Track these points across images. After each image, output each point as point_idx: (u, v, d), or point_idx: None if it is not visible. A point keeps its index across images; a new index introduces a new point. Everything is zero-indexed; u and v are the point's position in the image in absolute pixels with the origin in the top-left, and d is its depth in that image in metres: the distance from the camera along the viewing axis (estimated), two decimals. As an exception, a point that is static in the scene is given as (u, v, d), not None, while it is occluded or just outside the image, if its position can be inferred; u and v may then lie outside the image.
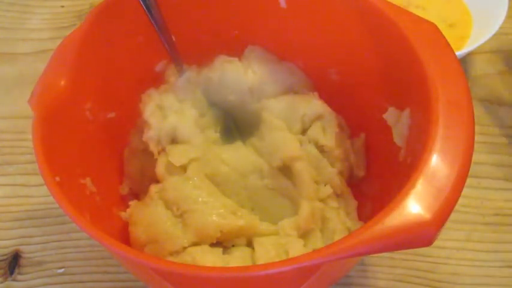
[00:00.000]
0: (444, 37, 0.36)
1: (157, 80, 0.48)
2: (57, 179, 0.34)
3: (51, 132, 0.36)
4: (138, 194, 0.46)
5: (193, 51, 0.47)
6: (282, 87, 0.48)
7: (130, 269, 0.39)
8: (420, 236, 0.28)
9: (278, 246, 0.39)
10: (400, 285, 0.47)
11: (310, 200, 0.41)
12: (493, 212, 0.51)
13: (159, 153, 0.45)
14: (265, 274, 0.29)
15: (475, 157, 0.32)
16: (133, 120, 0.47)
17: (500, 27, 0.55)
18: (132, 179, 0.47)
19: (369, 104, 0.44)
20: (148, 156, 0.45)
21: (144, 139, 0.45)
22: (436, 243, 0.29)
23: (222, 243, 0.41)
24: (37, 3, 0.69)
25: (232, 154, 0.45)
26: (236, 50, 0.49)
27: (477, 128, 0.33)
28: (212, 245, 0.40)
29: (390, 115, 0.41)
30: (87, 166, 0.40)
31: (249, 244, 0.41)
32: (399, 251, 0.45)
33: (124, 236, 0.42)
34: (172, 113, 0.46)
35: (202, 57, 0.48)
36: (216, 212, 0.40)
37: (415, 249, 0.32)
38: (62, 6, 0.68)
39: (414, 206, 0.29)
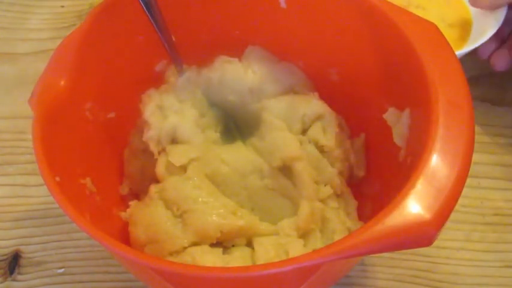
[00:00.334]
0: (444, 37, 0.36)
1: (157, 80, 0.48)
2: (57, 179, 0.34)
3: (51, 132, 0.36)
4: (138, 194, 0.46)
5: (193, 51, 0.47)
6: (282, 87, 0.48)
7: (131, 269, 0.39)
8: (420, 236, 0.28)
9: (278, 246, 0.39)
10: (400, 285, 0.47)
11: (310, 200, 0.41)
12: (493, 212, 0.51)
13: (159, 153, 0.45)
14: (265, 274, 0.29)
15: (475, 157, 0.32)
16: (133, 121, 0.47)
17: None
18: (132, 179, 0.47)
19: (369, 104, 0.44)
20: (148, 156, 0.45)
21: (144, 139, 0.45)
22: (436, 243, 0.29)
23: (222, 243, 0.41)
24: (37, 3, 0.69)
25: (232, 154, 0.45)
26: (236, 50, 0.49)
27: (477, 128, 0.33)
28: (212, 245, 0.40)
29: (390, 115, 0.41)
30: (87, 166, 0.40)
31: (249, 244, 0.41)
32: (399, 251, 0.45)
33: (124, 236, 0.42)
34: (173, 113, 0.46)
35: (202, 57, 0.48)
36: (216, 212, 0.40)
37: (415, 249, 0.32)
38: (62, 6, 0.68)
39: (414, 206, 0.29)
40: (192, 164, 0.43)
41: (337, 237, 0.41)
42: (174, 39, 0.44)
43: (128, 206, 0.43)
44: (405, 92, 0.38)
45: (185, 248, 0.40)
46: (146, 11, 0.40)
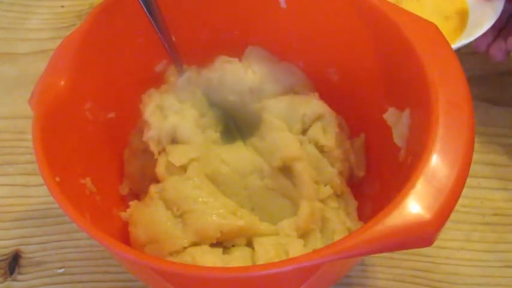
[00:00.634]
0: (444, 37, 0.36)
1: (157, 80, 0.48)
2: (57, 179, 0.34)
3: (51, 132, 0.36)
4: (138, 194, 0.46)
5: (194, 51, 0.47)
6: (282, 87, 0.48)
7: (131, 269, 0.39)
8: (420, 236, 0.28)
9: (278, 246, 0.39)
10: (400, 285, 0.47)
11: (310, 200, 0.41)
12: (493, 212, 0.51)
13: (159, 153, 0.45)
14: (265, 274, 0.29)
15: (475, 157, 0.32)
16: (133, 121, 0.47)
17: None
18: (132, 179, 0.47)
19: (369, 104, 0.44)
20: (148, 156, 0.45)
21: (144, 139, 0.45)
22: (436, 243, 0.29)
23: (222, 243, 0.41)
24: (37, 3, 0.69)
25: (232, 154, 0.45)
26: (236, 50, 0.49)
27: (477, 128, 0.33)
28: (212, 245, 0.40)
29: (390, 115, 0.41)
30: (87, 166, 0.40)
31: (249, 244, 0.41)
32: (399, 251, 0.45)
33: (124, 236, 0.42)
34: (173, 113, 0.46)
35: (202, 57, 0.48)
36: (216, 212, 0.40)
37: (415, 249, 0.32)
38: (62, 6, 0.68)
39: (414, 206, 0.29)
40: (192, 164, 0.43)
41: (337, 237, 0.41)
42: (174, 39, 0.44)
43: (128, 206, 0.43)
44: (405, 92, 0.38)
45: (185, 248, 0.40)
46: (146, 11, 0.40)
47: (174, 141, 0.46)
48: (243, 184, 0.44)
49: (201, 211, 0.40)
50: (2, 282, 0.47)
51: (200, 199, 0.41)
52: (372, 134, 0.46)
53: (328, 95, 0.47)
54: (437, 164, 0.30)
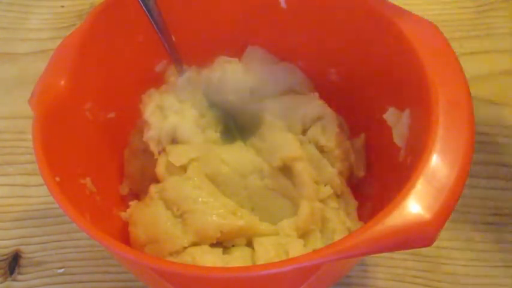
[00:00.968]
0: (444, 37, 0.36)
1: (157, 80, 0.48)
2: (57, 179, 0.34)
3: (51, 132, 0.36)
4: (138, 194, 0.46)
5: (194, 51, 0.47)
6: (282, 87, 0.48)
7: (131, 269, 0.39)
8: (420, 236, 0.28)
9: (278, 246, 0.39)
10: (400, 285, 0.47)
11: (310, 200, 0.41)
12: (493, 212, 0.51)
13: (159, 153, 0.45)
14: (265, 274, 0.29)
15: (475, 157, 0.32)
16: (133, 121, 0.47)
17: (502, 27, 0.55)
18: (132, 179, 0.47)
19: (369, 104, 0.44)
20: (148, 156, 0.45)
21: (144, 139, 0.45)
22: (436, 243, 0.29)
23: (222, 243, 0.41)
24: (37, 3, 0.69)
25: (232, 154, 0.45)
26: (236, 51, 0.49)
27: (477, 128, 0.33)
28: (212, 245, 0.40)
29: (390, 115, 0.41)
30: (87, 166, 0.40)
31: (249, 244, 0.41)
32: (399, 251, 0.45)
33: (124, 236, 0.42)
34: (173, 113, 0.46)
35: (202, 57, 0.48)
36: (216, 212, 0.40)
37: (415, 249, 0.32)
38: (62, 6, 0.68)
39: (414, 206, 0.29)
40: (192, 164, 0.43)
41: (337, 237, 0.41)
42: (174, 39, 0.44)
43: (128, 206, 0.43)
44: (405, 92, 0.38)
45: (185, 248, 0.40)
46: (146, 11, 0.40)
47: (174, 141, 0.46)
48: (243, 184, 0.44)
49: (201, 211, 0.40)
50: (2, 282, 0.47)
51: (200, 199, 0.41)
52: (372, 134, 0.46)
53: (328, 95, 0.47)
54: (437, 164, 0.30)
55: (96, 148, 0.43)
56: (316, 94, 0.47)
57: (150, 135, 0.44)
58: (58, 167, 0.35)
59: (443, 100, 0.33)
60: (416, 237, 0.29)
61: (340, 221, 0.42)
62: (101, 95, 0.43)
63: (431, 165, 0.30)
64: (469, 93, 0.33)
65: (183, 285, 0.34)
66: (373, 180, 0.45)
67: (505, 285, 0.47)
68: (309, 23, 0.45)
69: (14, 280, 0.48)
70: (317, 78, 0.49)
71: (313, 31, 0.46)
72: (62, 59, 0.39)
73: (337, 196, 0.45)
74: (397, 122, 0.40)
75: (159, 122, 0.45)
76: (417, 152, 0.32)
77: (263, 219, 0.42)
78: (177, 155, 0.43)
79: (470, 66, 0.58)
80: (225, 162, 0.44)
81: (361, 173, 0.46)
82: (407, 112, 0.38)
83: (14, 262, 0.49)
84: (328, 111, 0.46)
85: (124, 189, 0.46)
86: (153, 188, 0.43)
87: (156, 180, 0.44)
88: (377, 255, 0.46)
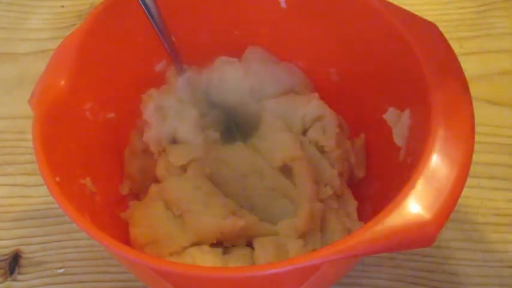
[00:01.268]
0: (444, 37, 0.36)
1: (157, 81, 0.48)
2: (57, 179, 0.34)
3: (51, 132, 0.36)
4: (138, 194, 0.46)
5: (194, 51, 0.47)
6: (282, 87, 0.48)
7: (131, 269, 0.39)
8: (420, 236, 0.28)
9: (278, 246, 0.39)
10: (400, 285, 0.47)
11: (310, 200, 0.41)
12: (493, 212, 0.51)
13: (159, 153, 0.45)
14: (265, 274, 0.29)
15: (475, 157, 0.32)
16: (133, 121, 0.47)
17: (502, 27, 0.55)
18: (132, 179, 0.47)
19: (369, 104, 0.44)
20: (148, 156, 0.45)
21: (144, 139, 0.45)
22: (436, 243, 0.29)
23: (222, 243, 0.41)
24: (37, 3, 0.69)
25: (232, 154, 0.45)
26: (236, 51, 0.49)
27: (477, 128, 0.33)
28: (212, 245, 0.40)
29: (390, 115, 0.41)
30: (87, 166, 0.40)
31: (249, 244, 0.41)
32: (399, 251, 0.45)
33: (124, 236, 0.42)
34: (173, 114, 0.46)
35: (202, 57, 0.48)
36: (216, 212, 0.40)
37: (415, 249, 0.32)
38: (62, 6, 0.68)
39: (414, 206, 0.29)
40: (192, 164, 0.43)
41: (337, 238, 0.41)
42: (174, 39, 0.44)
43: (127, 206, 0.43)
44: (405, 92, 0.38)
45: (185, 248, 0.40)
46: (146, 12, 0.40)
47: (174, 141, 0.46)
48: (243, 184, 0.44)
49: (201, 211, 0.40)
50: (2, 282, 0.47)
51: (200, 199, 0.41)
52: (372, 134, 0.46)
53: (328, 95, 0.47)
54: (437, 164, 0.30)
55: (96, 148, 0.43)
56: (316, 94, 0.47)
57: (150, 135, 0.45)
58: (58, 167, 0.35)
59: (443, 100, 0.33)
60: (416, 237, 0.29)
61: (340, 221, 0.42)
62: (101, 95, 0.43)
63: (431, 165, 0.30)
64: (469, 93, 0.33)
65: (183, 285, 0.34)
66: (373, 180, 0.45)
67: (505, 285, 0.47)
68: (309, 23, 0.45)
69: (14, 280, 0.48)
70: (317, 78, 0.49)
71: (313, 31, 0.46)
72: (62, 59, 0.39)
73: (337, 196, 0.45)
74: (397, 122, 0.40)
75: (159, 122, 0.45)
76: (417, 152, 0.32)
77: (263, 219, 0.42)
78: (177, 155, 0.43)
79: (470, 66, 0.59)
80: (225, 162, 0.44)
81: (361, 173, 0.46)
82: (407, 112, 0.38)
83: (14, 262, 0.49)
84: (328, 111, 0.46)
85: (124, 189, 0.46)
86: (153, 188, 0.43)
87: (156, 180, 0.44)
88: (377, 255, 0.46)
